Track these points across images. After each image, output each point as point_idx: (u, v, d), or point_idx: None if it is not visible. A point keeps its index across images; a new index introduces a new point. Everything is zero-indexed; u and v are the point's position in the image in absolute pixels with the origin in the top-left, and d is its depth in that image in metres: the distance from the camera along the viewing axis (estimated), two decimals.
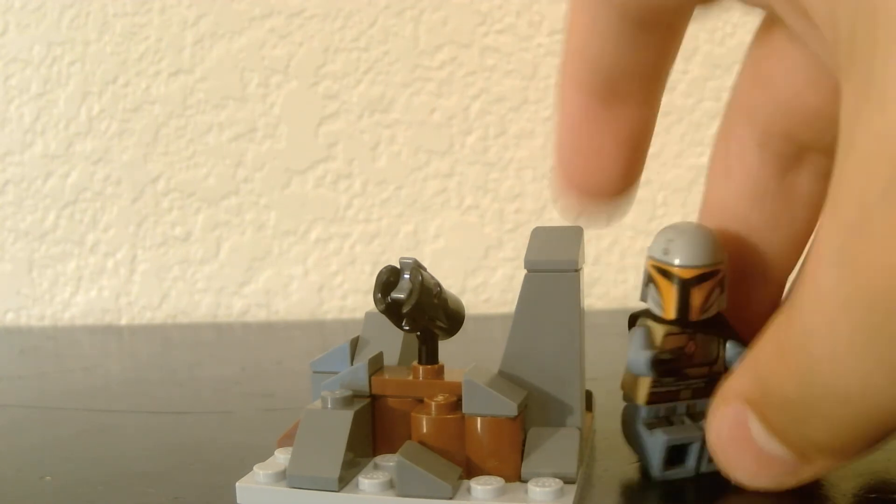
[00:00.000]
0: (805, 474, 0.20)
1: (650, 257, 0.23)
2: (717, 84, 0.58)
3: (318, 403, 0.24)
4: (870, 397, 0.16)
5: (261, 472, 0.23)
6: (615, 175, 0.24)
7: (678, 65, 0.62)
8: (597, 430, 0.28)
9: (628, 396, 0.25)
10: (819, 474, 0.20)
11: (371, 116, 0.59)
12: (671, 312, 0.23)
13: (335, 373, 0.25)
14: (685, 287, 0.22)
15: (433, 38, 0.59)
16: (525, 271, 0.24)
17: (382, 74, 0.59)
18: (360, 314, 0.29)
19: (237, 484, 0.23)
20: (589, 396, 0.28)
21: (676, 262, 0.23)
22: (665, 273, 0.23)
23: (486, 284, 0.60)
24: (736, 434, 0.21)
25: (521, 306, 0.24)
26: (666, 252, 0.23)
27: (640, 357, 0.23)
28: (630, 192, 0.24)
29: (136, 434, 0.31)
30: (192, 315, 0.61)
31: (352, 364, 0.26)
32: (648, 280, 0.24)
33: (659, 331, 0.23)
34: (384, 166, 0.60)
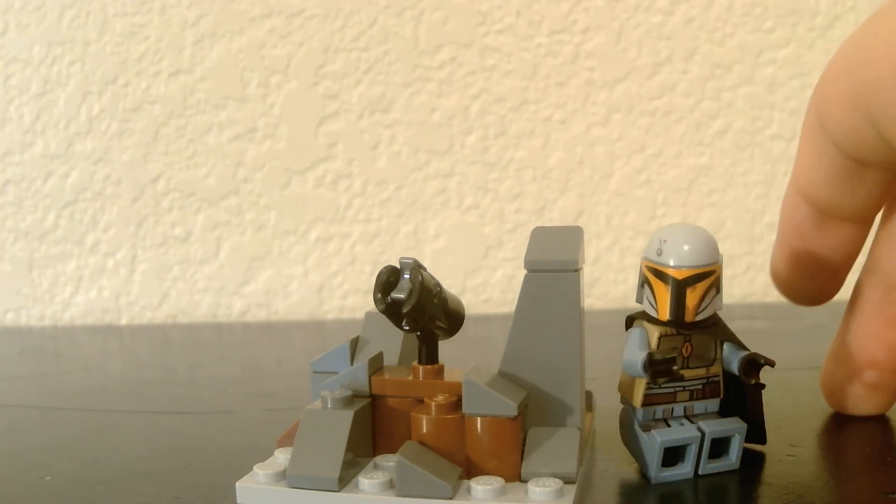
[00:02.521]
0: None
1: (645, 259, 0.24)
2: (717, 84, 0.58)
3: (318, 403, 0.24)
4: None
5: (261, 472, 0.23)
6: (823, 283, 0.28)
7: (678, 65, 0.62)
8: (597, 431, 0.28)
9: (625, 399, 0.25)
10: None
11: (371, 116, 0.59)
12: (666, 313, 0.23)
13: (335, 373, 0.25)
14: (680, 288, 0.22)
15: (433, 38, 0.59)
16: (525, 271, 0.24)
17: (382, 74, 0.59)
18: (360, 314, 0.29)
19: (237, 484, 0.23)
20: (589, 396, 0.28)
21: (670, 262, 0.23)
22: (659, 274, 0.23)
23: (486, 284, 0.60)
24: None
25: (521, 306, 0.24)
26: (660, 253, 0.23)
27: (634, 358, 0.23)
28: (828, 298, 0.28)
29: (136, 434, 0.31)
30: (192, 315, 0.61)
31: (352, 364, 0.26)
32: (644, 281, 0.24)
33: (654, 332, 0.23)
34: (384, 166, 0.60)
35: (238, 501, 0.23)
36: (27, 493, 0.25)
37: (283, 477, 0.23)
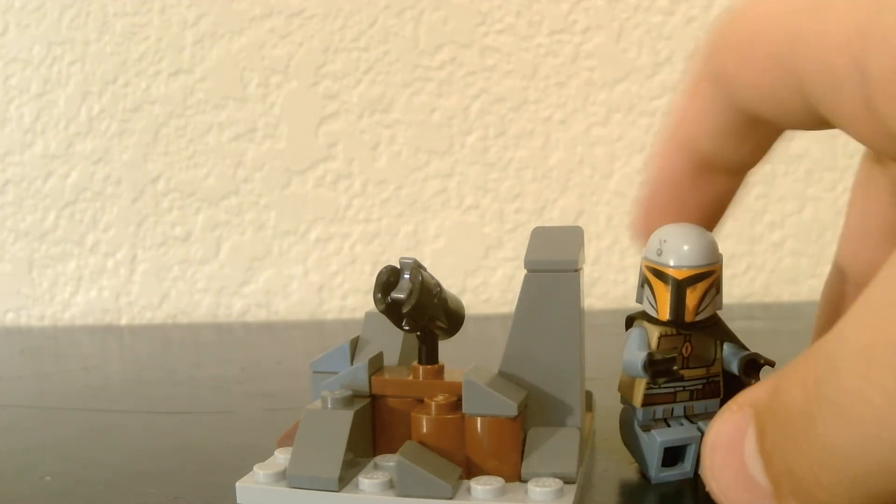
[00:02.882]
0: None
1: (645, 258, 0.23)
2: None
3: (318, 403, 0.24)
4: (872, 429, 0.15)
5: (261, 472, 0.23)
6: None
7: (678, 65, 0.62)
8: (597, 430, 0.28)
9: (625, 399, 0.25)
10: None
11: (371, 116, 0.59)
12: (665, 314, 0.23)
13: (335, 373, 0.25)
14: (679, 288, 0.22)
15: (433, 38, 0.59)
16: (525, 271, 0.24)
17: (382, 74, 0.59)
18: (360, 314, 0.29)
19: (237, 484, 0.23)
20: (589, 396, 0.28)
21: (670, 262, 0.23)
22: (659, 274, 0.23)
23: (486, 284, 0.60)
24: (731, 441, 0.19)
25: (521, 306, 0.24)
26: (660, 253, 0.23)
27: (634, 358, 0.23)
28: None
29: (136, 434, 0.31)
30: (192, 315, 0.61)
31: (352, 364, 0.26)
32: (643, 282, 0.24)
33: (654, 332, 0.23)
34: (384, 166, 0.60)
35: (238, 501, 0.23)
36: (27, 493, 0.25)
37: (283, 477, 0.23)
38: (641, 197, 0.26)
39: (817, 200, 0.60)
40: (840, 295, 0.26)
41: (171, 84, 0.60)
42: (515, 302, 0.24)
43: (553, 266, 0.24)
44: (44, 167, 0.61)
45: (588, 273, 0.59)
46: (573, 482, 0.22)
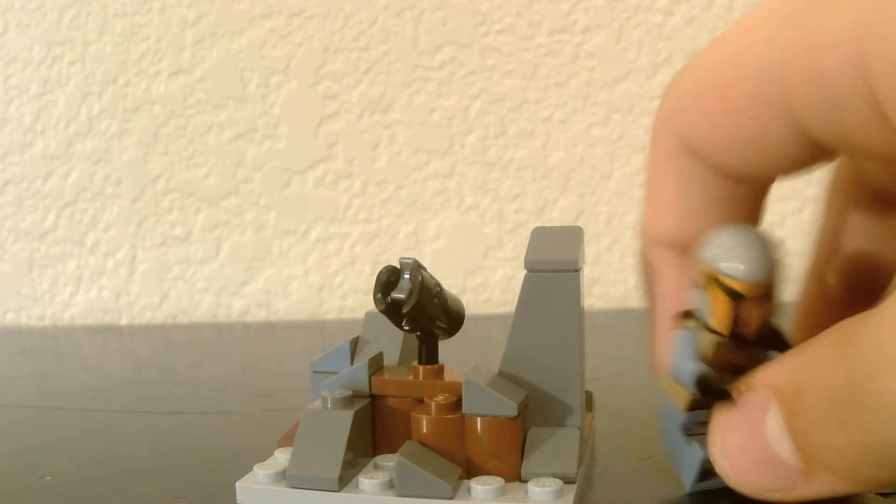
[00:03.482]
0: (796, 491, 0.19)
1: (704, 262, 0.20)
2: None
3: (318, 403, 0.24)
4: None
5: (261, 472, 0.23)
6: (685, 235, 0.23)
7: (678, 65, 0.62)
8: (597, 430, 0.28)
9: (668, 397, 0.23)
10: (806, 498, 0.19)
11: (371, 116, 0.59)
12: (724, 327, 0.20)
13: (335, 373, 0.25)
14: (743, 305, 0.20)
15: (433, 38, 0.59)
16: (525, 271, 0.24)
17: (382, 74, 0.59)
18: (360, 314, 0.29)
19: (237, 484, 0.23)
20: (589, 396, 0.28)
21: (734, 274, 0.20)
22: (720, 284, 0.20)
23: (486, 284, 0.60)
24: (747, 420, 0.20)
25: (521, 306, 0.24)
26: (721, 259, 0.20)
27: (685, 367, 0.21)
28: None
29: (136, 434, 0.31)
30: (192, 315, 0.61)
31: (352, 364, 0.26)
32: (701, 285, 0.21)
33: (709, 339, 0.21)
34: (384, 166, 0.60)
35: (238, 501, 0.23)
36: (27, 493, 0.25)
37: (283, 477, 0.23)
38: (649, 330, 0.24)
39: (817, 200, 0.60)
40: (818, 297, 0.26)
41: (171, 84, 0.60)
42: (515, 302, 0.24)
43: (553, 266, 0.24)
44: (44, 167, 0.61)
45: (588, 273, 0.59)
46: (573, 482, 0.22)
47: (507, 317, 0.24)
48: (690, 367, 0.21)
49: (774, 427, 0.19)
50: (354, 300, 0.61)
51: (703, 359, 0.21)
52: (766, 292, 0.20)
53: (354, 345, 0.27)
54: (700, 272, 0.21)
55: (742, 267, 0.20)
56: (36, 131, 0.60)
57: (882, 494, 0.22)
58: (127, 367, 0.47)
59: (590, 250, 0.59)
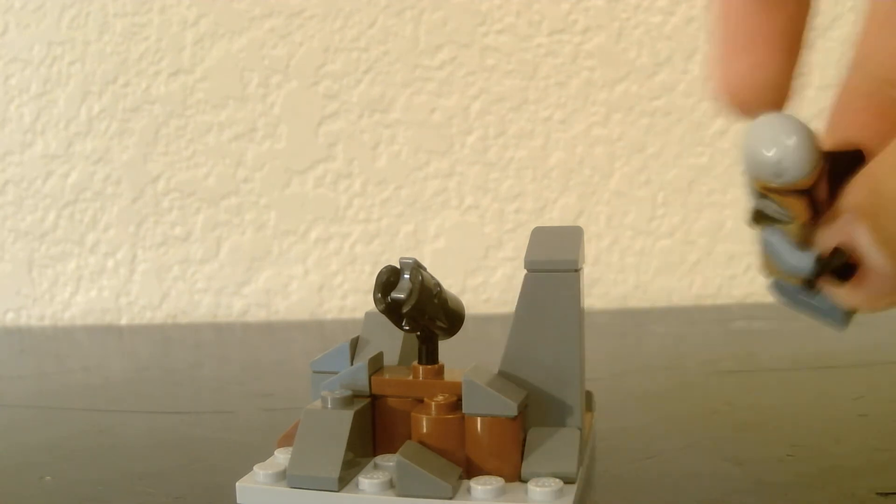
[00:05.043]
0: None
1: (755, 179, 0.20)
2: None
3: (318, 403, 0.24)
4: None
5: (261, 472, 0.23)
6: (771, 74, 0.23)
7: (678, 65, 0.62)
8: (597, 430, 0.28)
9: (779, 280, 0.22)
10: None
11: (371, 116, 0.59)
12: (803, 217, 0.20)
13: (335, 373, 0.25)
14: (809, 193, 0.20)
15: (433, 38, 0.59)
16: (525, 271, 0.24)
17: (382, 74, 0.59)
18: (360, 314, 0.29)
19: (237, 484, 0.23)
20: (589, 396, 0.28)
21: (792, 178, 0.19)
22: (782, 192, 0.20)
23: (486, 284, 0.60)
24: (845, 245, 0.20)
25: (521, 306, 0.24)
26: (772, 172, 0.19)
27: (797, 264, 0.20)
28: (784, 98, 0.23)
29: (136, 434, 0.31)
30: (192, 315, 0.61)
31: (352, 364, 0.26)
32: (759, 193, 0.20)
33: (794, 226, 0.20)
34: (384, 166, 0.60)
35: (238, 501, 0.23)
36: (27, 493, 0.25)
37: (283, 477, 0.23)
38: (713, 50, 0.23)
39: None
40: (859, 92, 0.25)
41: (171, 84, 0.60)
42: (515, 302, 0.24)
43: (553, 266, 0.24)
44: (44, 167, 0.61)
45: (588, 273, 0.59)
46: (573, 482, 0.22)
47: (507, 317, 0.24)
48: (803, 261, 0.20)
49: (865, 244, 0.20)
50: (354, 300, 0.61)
51: (802, 245, 0.20)
52: (820, 166, 0.19)
53: (354, 345, 0.27)
54: (756, 188, 0.20)
55: (792, 171, 0.19)
56: (36, 131, 0.60)
57: (882, 494, 0.22)
58: (127, 367, 0.47)
59: (590, 250, 0.59)
